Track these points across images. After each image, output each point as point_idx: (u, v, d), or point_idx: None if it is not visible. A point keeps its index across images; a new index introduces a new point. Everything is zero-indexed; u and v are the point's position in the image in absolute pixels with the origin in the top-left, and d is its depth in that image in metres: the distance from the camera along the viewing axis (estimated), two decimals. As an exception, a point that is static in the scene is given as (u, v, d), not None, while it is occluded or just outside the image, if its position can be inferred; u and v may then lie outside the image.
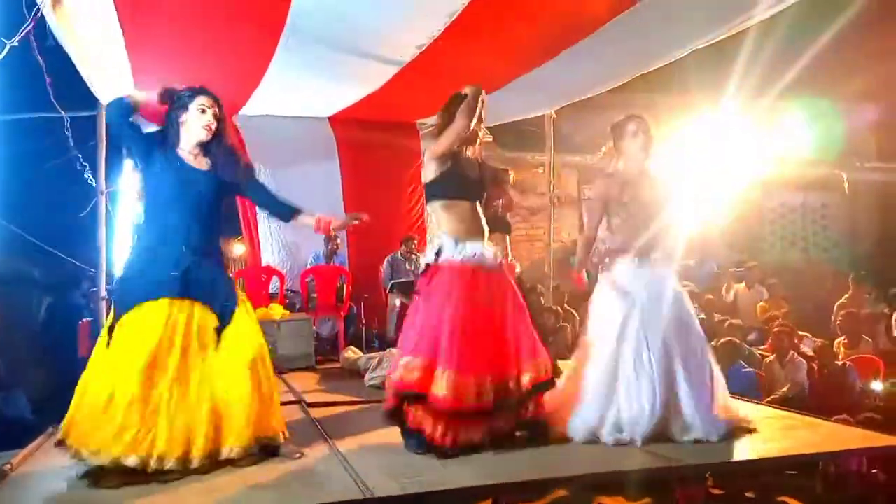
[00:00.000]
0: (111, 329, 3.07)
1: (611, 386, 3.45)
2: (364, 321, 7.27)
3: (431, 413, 3.17)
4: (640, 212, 3.66)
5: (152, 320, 3.03)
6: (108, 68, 4.67)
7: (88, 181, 5.41)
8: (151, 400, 2.93)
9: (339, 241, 7.43)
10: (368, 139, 7.38)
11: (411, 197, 7.71)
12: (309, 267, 7.38)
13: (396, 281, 7.12)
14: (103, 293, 5.64)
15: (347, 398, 4.57)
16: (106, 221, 5.64)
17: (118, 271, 3.29)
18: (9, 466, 3.10)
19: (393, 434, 3.44)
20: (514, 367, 3.31)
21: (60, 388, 6.41)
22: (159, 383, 2.96)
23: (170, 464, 2.90)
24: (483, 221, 3.51)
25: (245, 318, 3.22)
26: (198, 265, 3.14)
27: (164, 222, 3.18)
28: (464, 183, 3.47)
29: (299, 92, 6.01)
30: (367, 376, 5.10)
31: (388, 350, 5.23)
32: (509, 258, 4.80)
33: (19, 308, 6.97)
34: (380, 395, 3.98)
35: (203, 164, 3.25)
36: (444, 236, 3.43)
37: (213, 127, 3.20)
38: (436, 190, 3.47)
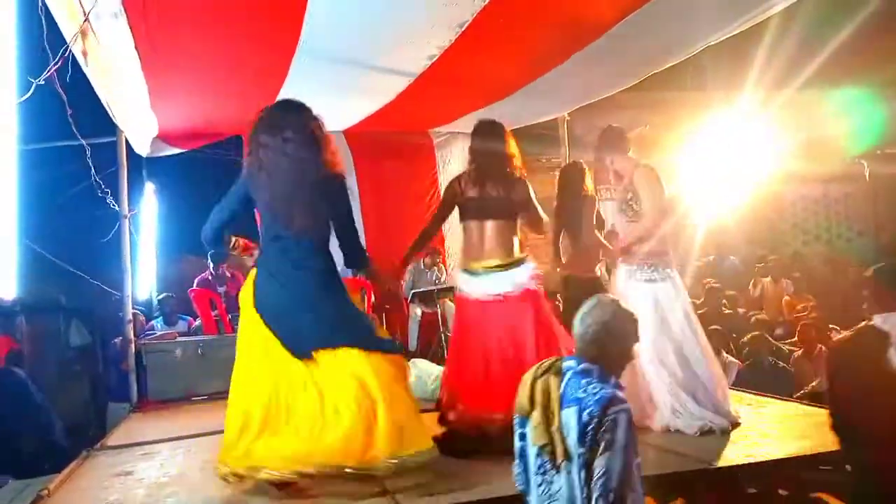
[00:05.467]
0: None
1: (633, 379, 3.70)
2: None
3: None
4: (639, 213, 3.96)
5: None
6: (127, 93, 4.73)
7: (111, 206, 5.48)
8: None
9: None
10: (384, 151, 7.41)
11: (429, 206, 7.71)
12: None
13: (417, 290, 7.13)
14: (129, 316, 5.72)
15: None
16: (130, 245, 5.72)
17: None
18: (46, 492, 3.15)
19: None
20: None
21: (91, 412, 6.51)
22: None
23: None
24: (490, 242, 3.67)
25: None
26: None
27: None
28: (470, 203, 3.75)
29: (314, 107, 6.03)
30: (393, 387, 5.10)
31: (411, 360, 5.25)
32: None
33: (48, 333, 7.07)
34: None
35: None
36: None
37: None
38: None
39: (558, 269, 4.98)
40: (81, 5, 3.34)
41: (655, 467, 3.13)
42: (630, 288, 3.90)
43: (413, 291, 7.16)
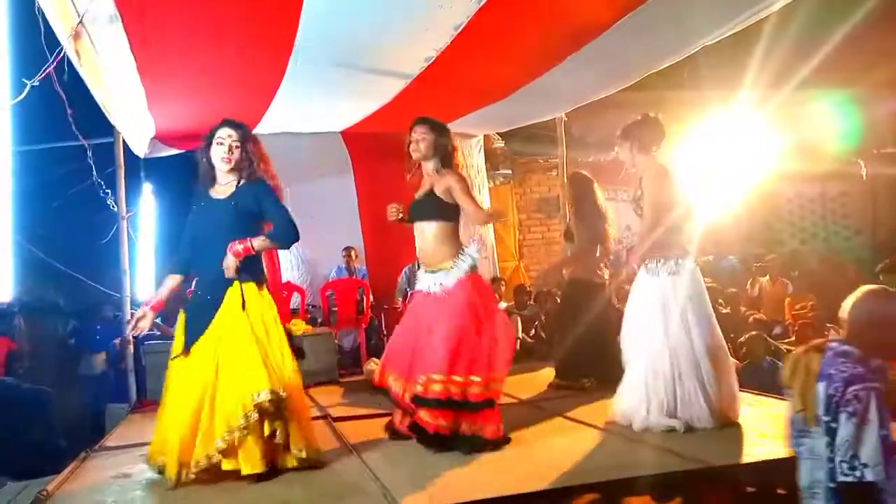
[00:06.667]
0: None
1: (640, 377, 3.75)
2: (385, 332, 7.29)
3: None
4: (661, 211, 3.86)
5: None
6: (124, 95, 4.73)
7: (111, 207, 5.47)
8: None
9: (353, 253, 7.47)
10: (381, 152, 7.39)
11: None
12: (330, 280, 7.42)
13: (413, 291, 7.12)
14: (128, 316, 5.72)
15: (372, 411, 4.58)
16: (128, 246, 5.72)
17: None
18: (44, 493, 3.15)
19: (420, 445, 3.46)
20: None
21: (88, 412, 6.50)
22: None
23: None
24: (423, 244, 3.88)
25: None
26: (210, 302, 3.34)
27: (193, 261, 3.44)
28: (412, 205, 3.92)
29: (311, 109, 6.05)
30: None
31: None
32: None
33: (47, 334, 7.07)
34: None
35: (227, 192, 3.35)
36: None
37: (232, 157, 3.30)
38: None
39: (565, 272, 5.20)
40: (76, 8, 3.33)
41: (654, 467, 3.13)
42: (645, 282, 3.87)
43: (410, 291, 7.16)
